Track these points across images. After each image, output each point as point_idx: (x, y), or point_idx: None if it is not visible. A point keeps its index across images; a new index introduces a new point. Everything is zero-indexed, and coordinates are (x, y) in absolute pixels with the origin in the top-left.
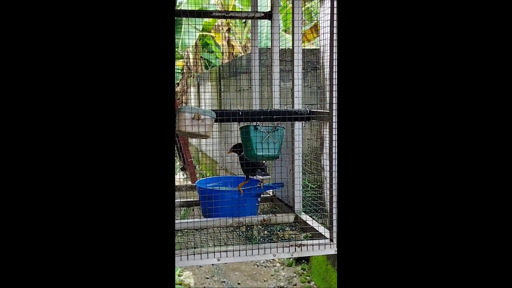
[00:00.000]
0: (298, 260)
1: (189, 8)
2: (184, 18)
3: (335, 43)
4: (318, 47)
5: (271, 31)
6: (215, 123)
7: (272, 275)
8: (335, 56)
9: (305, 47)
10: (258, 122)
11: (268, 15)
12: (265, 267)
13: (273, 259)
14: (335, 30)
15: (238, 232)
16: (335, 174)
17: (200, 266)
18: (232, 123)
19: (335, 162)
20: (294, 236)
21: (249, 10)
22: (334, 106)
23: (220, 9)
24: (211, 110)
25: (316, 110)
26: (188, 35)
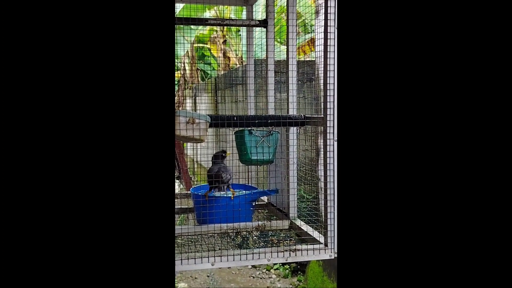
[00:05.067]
0: (294, 272)
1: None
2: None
3: (329, 54)
4: (313, 59)
5: (266, 37)
6: (210, 128)
7: (268, 287)
8: (329, 67)
9: (301, 59)
10: (253, 127)
11: (263, 23)
12: (261, 278)
13: (268, 271)
14: (329, 42)
15: (232, 238)
16: (329, 179)
17: (196, 278)
18: (228, 133)
19: (329, 167)
20: (288, 241)
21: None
22: (328, 111)
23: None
24: (206, 114)
25: (310, 115)
26: (183, 41)
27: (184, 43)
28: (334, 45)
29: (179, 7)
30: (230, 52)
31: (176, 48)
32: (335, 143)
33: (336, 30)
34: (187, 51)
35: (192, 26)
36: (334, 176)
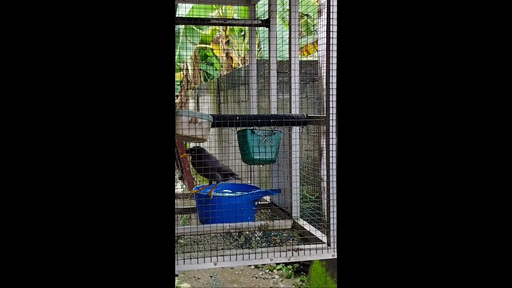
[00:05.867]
0: (297, 272)
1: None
2: (181, 32)
3: (331, 53)
4: (316, 58)
5: (269, 36)
6: (212, 127)
7: (271, 287)
8: (332, 67)
9: (304, 59)
10: (255, 126)
11: (266, 22)
12: (263, 279)
13: (271, 271)
14: (331, 41)
15: (235, 237)
16: (332, 179)
17: (198, 278)
18: (230, 133)
19: (332, 167)
20: (291, 241)
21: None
22: (331, 110)
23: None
24: (208, 114)
25: (312, 115)
26: (185, 46)
27: (186, 43)
28: (337, 45)
29: (188, 7)
30: (233, 52)
31: (182, 49)
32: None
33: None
34: (194, 52)
35: (197, 28)
36: (337, 175)
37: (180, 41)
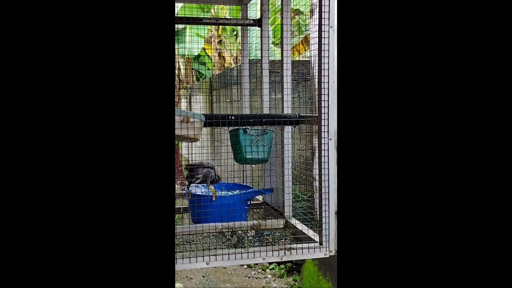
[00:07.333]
0: (290, 272)
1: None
2: (188, 27)
3: (323, 53)
4: (308, 58)
5: (261, 35)
6: (204, 127)
7: (263, 287)
8: (323, 66)
9: (297, 59)
10: (247, 126)
11: (258, 22)
12: (256, 278)
13: (264, 271)
14: (323, 41)
15: (227, 237)
16: (324, 178)
17: (191, 278)
18: (223, 133)
19: (324, 166)
20: (283, 240)
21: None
22: (323, 110)
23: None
24: (200, 113)
25: (305, 114)
26: (192, 43)
27: (192, 43)
28: (329, 45)
29: (177, 6)
30: (225, 52)
31: (190, 49)
32: (330, 142)
33: (330, 29)
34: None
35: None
36: (328, 175)
37: (189, 40)
